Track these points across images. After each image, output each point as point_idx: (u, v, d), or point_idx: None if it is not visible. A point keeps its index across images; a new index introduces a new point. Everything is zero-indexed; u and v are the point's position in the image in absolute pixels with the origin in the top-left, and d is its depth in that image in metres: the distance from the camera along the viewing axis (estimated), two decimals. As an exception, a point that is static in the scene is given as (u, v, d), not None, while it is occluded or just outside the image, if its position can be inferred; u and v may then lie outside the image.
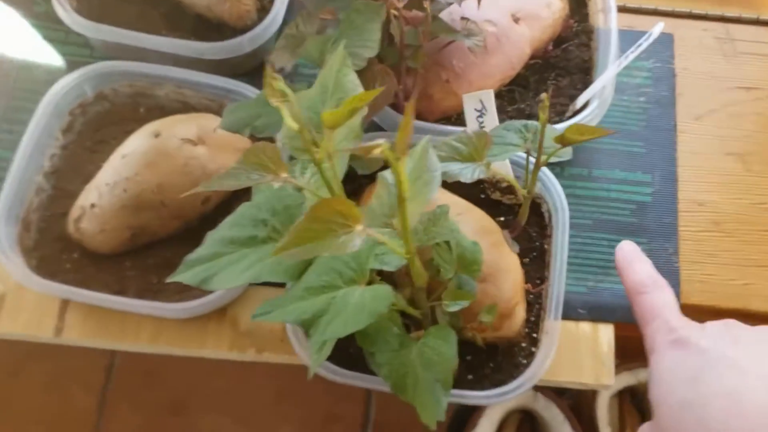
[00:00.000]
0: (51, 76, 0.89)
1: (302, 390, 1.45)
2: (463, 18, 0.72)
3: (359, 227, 0.44)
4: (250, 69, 0.89)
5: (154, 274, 0.77)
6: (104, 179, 0.75)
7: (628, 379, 1.06)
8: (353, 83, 0.56)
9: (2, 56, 0.90)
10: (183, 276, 0.59)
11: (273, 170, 0.50)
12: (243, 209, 0.61)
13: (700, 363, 0.49)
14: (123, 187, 0.74)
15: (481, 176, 0.61)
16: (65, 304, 0.79)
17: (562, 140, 0.60)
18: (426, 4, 0.65)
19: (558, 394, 1.09)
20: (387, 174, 0.55)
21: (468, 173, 0.62)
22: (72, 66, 0.89)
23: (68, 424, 1.46)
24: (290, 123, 0.47)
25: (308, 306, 0.55)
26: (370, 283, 0.59)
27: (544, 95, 0.58)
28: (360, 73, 0.67)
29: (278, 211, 0.60)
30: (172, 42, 0.82)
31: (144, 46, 0.82)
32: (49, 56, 0.91)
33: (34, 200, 0.79)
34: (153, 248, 0.78)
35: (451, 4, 0.69)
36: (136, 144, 0.75)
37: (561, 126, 0.78)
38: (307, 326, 0.55)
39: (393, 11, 0.64)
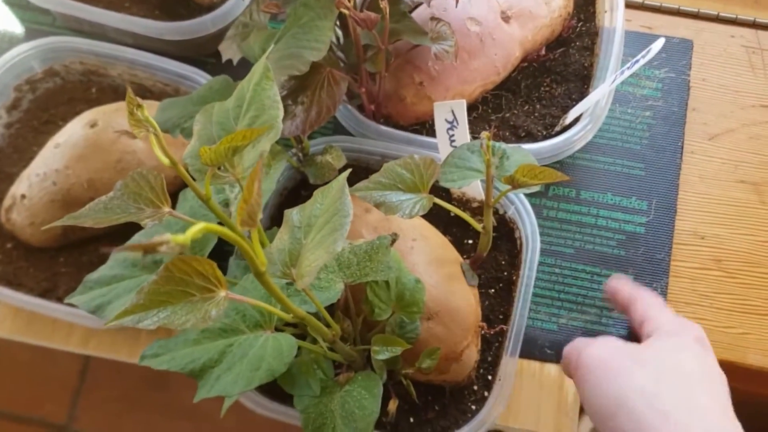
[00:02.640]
0: (8, 44, 0.83)
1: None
2: (433, 18, 0.63)
3: (222, 293, 0.37)
4: (215, 51, 0.81)
5: (87, 272, 0.71)
6: (36, 169, 0.69)
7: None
8: (272, 100, 0.48)
9: (-42, 19, 0.85)
10: (79, 299, 0.53)
11: (154, 203, 0.43)
12: (153, 228, 0.54)
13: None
14: (53, 179, 0.68)
15: (422, 212, 0.53)
16: (-5, 297, 0.74)
17: (512, 182, 0.51)
18: (382, 4, 0.56)
19: None
20: (294, 213, 0.47)
21: (407, 207, 0.53)
22: (32, 33, 0.84)
23: (50, 386, 1.44)
24: (161, 158, 0.40)
25: (200, 353, 0.49)
26: (294, 322, 0.53)
27: (484, 134, 0.49)
28: (305, 78, 0.60)
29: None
30: (131, 20, 0.75)
31: (101, 22, 0.75)
32: (8, 22, 0.85)
33: (-31, 182, 0.74)
34: (89, 244, 0.73)
35: (420, 4, 0.60)
36: (70, 133, 0.69)
37: (547, 144, 0.70)
38: (195, 377, 0.48)
39: (343, 10, 0.55)
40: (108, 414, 1.42)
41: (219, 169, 0.48)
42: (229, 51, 0.65)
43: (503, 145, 0.60)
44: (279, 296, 0.38)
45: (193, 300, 0.37)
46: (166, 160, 0.40)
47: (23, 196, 0.69)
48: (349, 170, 0.49)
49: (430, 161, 0.54)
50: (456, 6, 0.67)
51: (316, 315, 0.59)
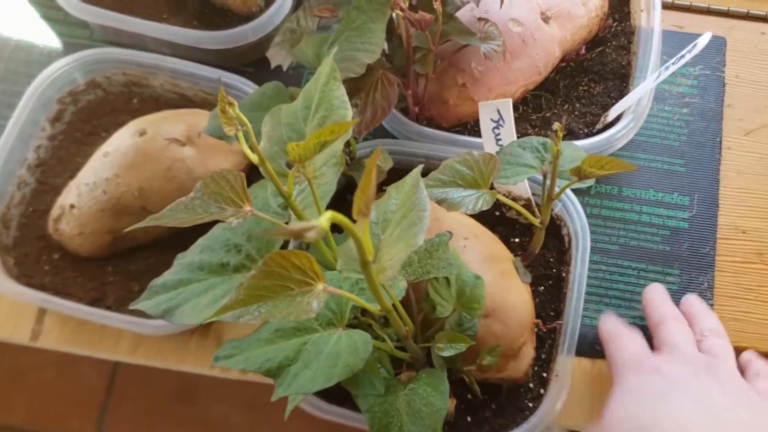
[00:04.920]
0: (46, 58, 0.84)
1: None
2: (480, 19, 0.64)
3: (320, 286, 0.38)
4: (256, 60, 0.82)
5: (135, 282, 0.72)
6: (84, 179, 0.69)
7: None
8: (340, 100, 0.49)
9: (-4, 35, 0.85)
10: (145, 304, 0.53)
11: (235, 202, 0.44)
12: (217, 231, 0.55)
13: (665, 387, 0.58)
14: (102, 188, 0.68)
15: (485, 207, 0.54)
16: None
17: (579, 173, 0.52)
18: (436, 5, 0.57)
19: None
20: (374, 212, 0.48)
21: (470, 203, 0.54)
22: (70, 48, 0.84)
23: (77, 401, 1.44)
24: (249, 155, 0.40)
25: (275, 352, 0.49)
26: (356, 322, 0.53)
27: (557, 125, 0.50)
28: (358, 80, 0.60)
29: (254, 236, 0.53)
30: (171, 29, 0.76)
31: (141, 33, 0.76)
32: (46, 37, 0.85)
33: (15, 194, 0.74)
34: (137, 253, 0.73)
35: (467, 2, 0.61)
36: (119, 142, 0.69)
37: (590, 142, 0.70)
38: (272, 376, 0.49)
39: (398, 12, 0.56)
40: (136, 428, 1.41)
41: (288, 167, 0.49)
42: (277, 57, 0.65)
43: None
44: (377, 288, 0.38)
45: (292, 294, 0.37)
46: (255, 158, 0.40)
47: (72, 206, 0.69)
48: (422, 165, 0.49)
49: (490, 157, 0.55)
50: (500, 7, 0.67)
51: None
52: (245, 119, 0.40)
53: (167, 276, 0.54)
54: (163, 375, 1.43)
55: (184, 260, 0.54)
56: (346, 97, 0.49)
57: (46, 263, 0.73)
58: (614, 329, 0.66)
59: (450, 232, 0.57)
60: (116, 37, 0.81)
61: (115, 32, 0.79)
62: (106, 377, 1.45)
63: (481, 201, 0.54)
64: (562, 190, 0.55)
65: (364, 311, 0.56)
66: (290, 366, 0.48)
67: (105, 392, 1.44)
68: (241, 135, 0.40)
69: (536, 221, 0.60)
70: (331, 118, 0.48)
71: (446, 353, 0.56)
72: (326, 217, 0.29)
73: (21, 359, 1.46)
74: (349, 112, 0.48)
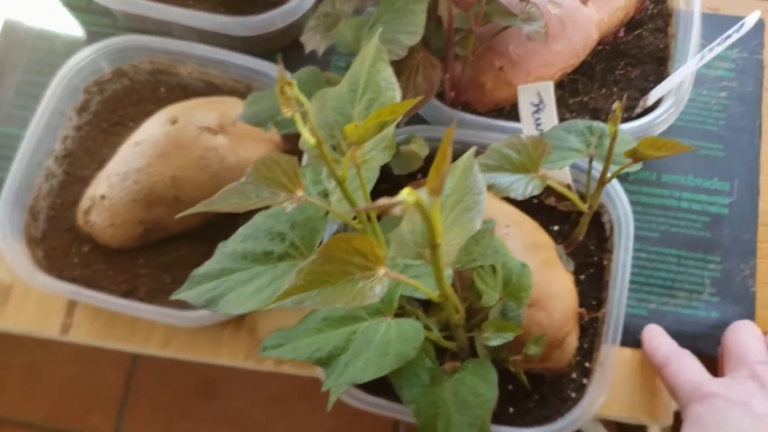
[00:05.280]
0: (69, 47, 0.82)
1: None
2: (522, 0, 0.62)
3: (381, 270, 0.36)
4: (283, 46, 0.80)
5: (167, 273, 0.71)
6: (115, 169, 0.68)
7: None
8: (388, 82, 0.47)
9: (18, 24, 0.84)
10: (188, 294, 0.52)
11: (287, 187, 0.42)
12: (259, 219, 0.53)
13: (726, 410, 0.55)
14: (134, 178, 0.67)
15: (535, 192, 0.52)
16: (74, 300, 0.73)
17: (635, 155, 0.50)
18: (479, -15, 0.56)
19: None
20: (423, 193, 0.46)
21: (519, 188, 0.53)
22: (93, 36, 0.82)
23: (95, 398, 1.43)
24: (306, 138, 0.39)
25: (325, 341, 0.48)
26: (401, 311, 0.52)
27: (616, 104, 0.48)
28: (400, 63, 0.59)
29: (298, 224, 0.52)
30: (198, 15, 0.74)
31: (167, 19, 0.74)
32: (69, 25, 0.84)
33: (43, 186, 0.73)
34: (168, 244, 0.72)
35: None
36: (150, 131, 0.68)
37: (630, 126, 0.69)
38: (322, 365, 0.47)
39: (440, -8, 0.54)
40: (156, 424, 1.40)
41: (334, 149, 0.47)
42: (312, 42, 0.64)
43: (601, 124, 0.59)
44: (442, 272, 0.36)
45: (353, 279, 0.36)
46: (311, 140, 0.39)
47: (103, 197, 0.68)
48: (475, 148, 0.48)
49: (539, 140, 0.53)
50: (541, -13, 0.66)
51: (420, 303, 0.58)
52: (303, 98, 0.38)
53: (209, 265, 0.53)
54: (182, 370, 1.42)
55: (225, 249, 0.53)
56: (394, 79, 0.48)
57: (76, 256, 0.71)
58: (668, 355, 0.63)
59: (492, 220, 0.56)
60: (141, 24, 0.79)
61: (139, 19, 0.77)
62: (124, 372, 1.44)
63: (531, 186, 0.53)
64: (615, 173, 0.54)
65: (410, 300, 0.54)
66: (340, 355, 0.47)
67: (123, 388, 1.43)
68: (298, 116, 0.39)
69: (584, 207, 0.58)
70: (379, 100, 0.47)
71: (493, 342, 0.54)
72: (407, 192, 0.27)
73: (39, 356, 1.45)
74: (398, 94, 0.47)
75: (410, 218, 0.46)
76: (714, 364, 0.78)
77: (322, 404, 1.44)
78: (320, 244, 0.53)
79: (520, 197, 0.52)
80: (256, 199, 0.42)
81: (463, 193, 0.44)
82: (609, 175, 0.54)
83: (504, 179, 0.53)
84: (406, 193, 0.28)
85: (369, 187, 0.51)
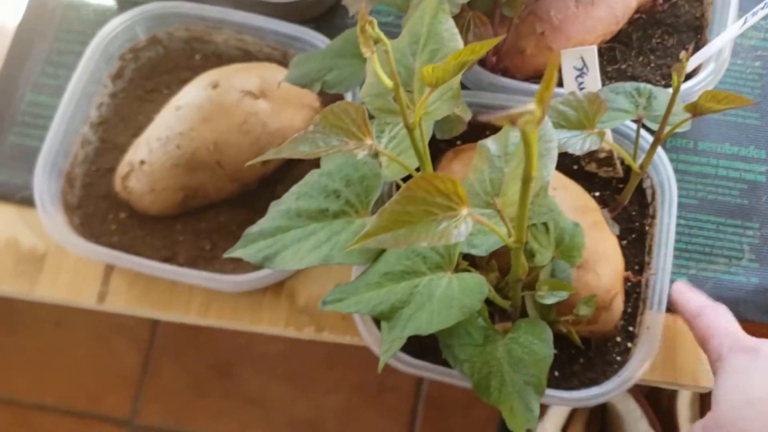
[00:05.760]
0: (100, 16, 0.82)
1: (355, 356, 1.38)
2: (569, -38, 0.62)
3: (465, 210, 0.36)
4: (318, 15, 0.80)
5: (206, 240, 0.70)
6: (156, 133, 0.68)
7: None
8: (450, 33, 0.47)
9: (48, -7, 0.83)
10: (243, 252, 0.52)
11: (356, 135, 0.42)
12: (312, 178, 0.53)
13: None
14: (176, 143, 0.66)
15: (594, 147, 0.52)
16: (110, 267, 0.72)
17: (695, 109, 0.50)
18: (531, -57, 0.55)
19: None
20: (490, 143, 0.46)
21: (577, 144, 0.52)
22: (123, 5, 0.82)
23: (111, 380, 1.43)
24: (383, 78, 0.38)
25: (386, 295, 0.48)
26: (457, 267, 0.51)
27: (683, 53, 0.48)
28: (450, 21, 0.58)
29: (353, 181, 0.52)
30: (234, -19, 0.74)
31: (202, -15, 0.74)
32: (99, -5, 0.83)
33: (79, 153, 0.72)
34: (206, 211, 0.71)
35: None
36: (192, 95, 0.67)
37: (669, 93, 0.68)
38: (384, 318, 0.47)
39: (492, -50, 0.54)
40: (173, 405, 1.40)
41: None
42: (354, 4, 0.63)
43: (649, 86, 0.59)
44: (525, 209, 0.36)
45: (436, 219, 0.36)
46: (389, 82, 0.38)
47: (142, 162, 0.68)
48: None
49: (595, 97, 0.53)
50: (584, -49, 0.66)
51: (480, 258, 0.58)
52: (384, 37, 0.38)
53: (263, 224, 0.52)
54: (199, 350, 1.42)
55: (279, 208, 0.52)
56: (456, 30, 0.47)
57: (113, 222, 0.71)
58: (703, 306, 0.58)
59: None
60: (174, -8, 0.79)
61: (173, -13, 0.77)
62: (141, 354, 1.44)
63: (589, 141, 0.52)
64: (673, 128, 0.54)
65: (465, 257, 0.54)
66: (403, 308, 0.47)
67: (140, 369, 1.43)
68: (375, 57, 0.38)
69: (635, 166, 0.58)
70: (442, 51, 0.47)
71: (548, 301, 0.54)
72: (536, 105, 0.27)
73: (54, 338, 1.45)
74: (460, 44, 0.47)
75: (478, 167, 0.46)
76: (754, 331, 0.78)
77: (340, 383, 1.45)
78: (376, 201, 0.53)
79: (578, 152, 0.52)
80: (325, 146, 0.42)
81: (532, 143, 0.44)
82: (666, 131, 0.53)
83: (561, 135, 0.53)
84: (537, 105, 0.27)
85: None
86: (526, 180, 0.33)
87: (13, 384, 1.43)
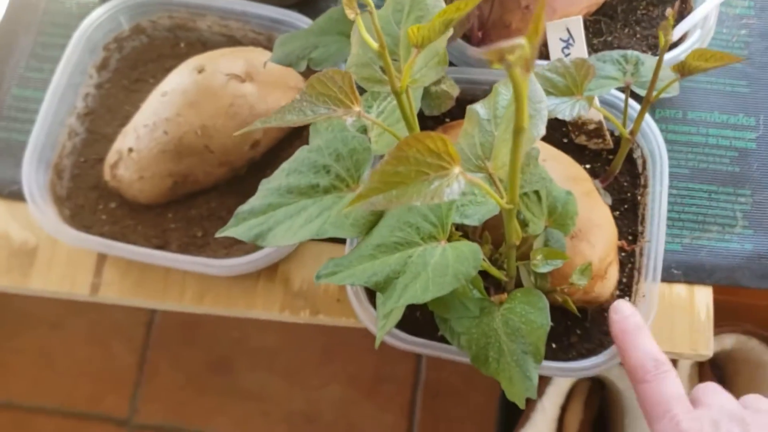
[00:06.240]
0: (83, 9, 0.81)
1: (350, 347, 1.38)
2: (552, -69, 0.62)
3: (457, 169, 0.36)
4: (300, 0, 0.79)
5: (198, 227, 0.70)
6: (142, 120, 0.67)
7: (711, 344, 0.97)
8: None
9: (30, -13, 0.82)
10: (235, 230, 0.51)
11: (344, 103, 0.42)
12: (301, 154, 0.52)
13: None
14: (163, 128, 0.66)
15: (583, 112, 0.52)
16: (102, 258, 0.72)
17: (682, 69, 0.50)
18: None
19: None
20: (479, 107, 0.46)
21: (566, 109, 0.52)
22: (105, -2, 0.81)
23: (109, 380, 1.42)
24: (368, 40, 0.38)
25: (380, 266, 0.47)
26: (449, 239, 0.51)
27: (669, 11, 0.48)
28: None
29: (343, 156, 0.51)
30: (217, -32, 0.73)
31: (185, -27, 0.74)
32: (80, -14, 0.83)
33: (66, 144, 0.72)
34: (197, 198, 0.71)
35: None
36: (178, 81, 0.67)
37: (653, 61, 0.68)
38: (379, 289, 0.47)
39: None
40: (172, 403, 1.39)
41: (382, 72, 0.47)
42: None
43: (636, 52, 0.59)
44: (516, 172, 0.36)
45: (428, 179, 0.35)
46: (374, 45, 0.38)
47: (131, 150, 0.67)
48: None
49: (582, 62, 0.53)
50: None
51: (472, 230, 0.57)
52: (370, 2, 0.38)
53: (254, 202, 0.52)
54: (195, 348, 1.42)
55: (270, 185, 0.52)
56: (440, -2, 0.47)
57: (103, 213, 0.70)
58: (644, 364, 0.50)
59: (537, 148, 0.55)
60: (156, -18, 0.78)
61: (155, -23, 0.76)
62: (136, 354, 1.43)
63: (578, 106, 0.52)
64: (661, 90, 0.53)
65: (458, 227, 0.54)
66: (398, 278, 0.47)
67: (137, 368, 1.42)
68: (359, 19, 0.38)
69: (625, 132, 0.58)
70: (427, 17, 0.46)
71: (543, 269, 0.54)
72: (521, 44, 0.27)
73: (51, 340, 1.44)
74: (445, 11, 0.46)
75: (468, 132, 0.46)
76: (752, 296, 0.79)
77: (337, 374, 1.45)
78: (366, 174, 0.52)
79: (567, 118, 0.52)
80: (312, 115, 0.42)
81: (521, 105, 0.43)
82: (655, 94, 0.53)
83: (549, 102, 0.53)
84: (522, 44, 0.27)
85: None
86: (518, 131, 0.32)
87: (12, 387, 1.42)
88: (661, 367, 0.49)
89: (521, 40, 0.26)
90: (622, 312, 0.53)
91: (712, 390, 0.50)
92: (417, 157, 0.35)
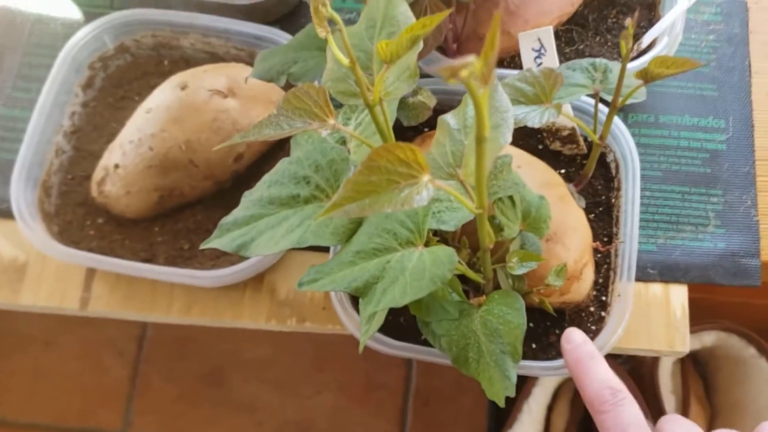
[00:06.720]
0: (68, 29, 0.83)
1: (342, 356, 1.40)
2: (520, -54, 0.64)
3: (426, 177, 0.38)
4: (282, 15, 0.81)
5: (185, 240, 0.71)
6: (128, 137, 0.69)
7: (692, 343, 0.99)
8: (405, 15, 0.49)
9: (15, 9, 0.84)
10: (219, 242, 0.53)
11: (319, 116, 0.44)
12: (282, 166, 0.54)
13: None
14: (148, 144, 0.68)
15: (552, 120, 0.54)
16: (91, 273, 0.73)
17: (645, 75, 0.52)
18: (481, -72, 0.57)
19: (614, 358, 1.02)
20: (449, 118, 0.48)
21: (535, 117, 0.54)
22: (90, 18, 0.82)
23: (102, 395, 1.43)
24: (339, 57, 0.40)
25: (360, 272, 0.49)
26: (427, 244, 0.53)
27: (628, 21, 0.50)
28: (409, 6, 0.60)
29: (322, 167, 0.53)
30: (201, -14, 0.75)
31: (169, -8, 0.76)
32: (65, 7, 0.84)
33: (54, 162, 0.73)
34: (182, 212, 0.72)
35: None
36: (161, 97, 0.69)
37: (627, 67, 0.71)
38: (360, 294, 0.48)
39: (445, -63, 0.56)
40: (165, 416, 1.40)
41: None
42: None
43: (604, 60, 0.61)
44: (484, 171, 0.38)
45: (399, 187, 0.37)
46: (345, 61, 0.40)
47: (117, 166, 0.69)
48: (495, 70, 0.49)
49: (550, 71, 0.55)
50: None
51: (451, 236, 0.59)
52: (337, 17, 0.40)
53: (237, 213, 0.54)
54: (186, 361, 1.43)
55: (252, 197, 0.54)
56: (410, 13, 0.49)
57: (91, 228, 0.72)
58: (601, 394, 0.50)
59: (510, 155, 0.57)
60: (141, 2, 0.80)
61: (138, -3, 0.78)
62: (129, 368, 1.44)
63: (547, 114, 0.54)
64: (627, 95, 0.56)
65: (436, 233, 0.56)
66: (377, 283, 0.48)
67: (129, 382, 1.44)
68: (330, 37, 0.40)
69: (595, 137, 0.60)
70: (398, 33, 0.48)
71: (519, 271, 0.56)
72: (475, 60, 0.29)
73: (43, 356, 1.45)
74: (416, 27, 0.48)
75: (439, 141, 0.48)
76: (726, 293, 0.81)
77: (329, 383, 1.46)
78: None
79: (537, 125, 0.54)
80: (289, 128, 0.44)
81: (490, 113, 0.45)
82: (621, 98, 0.55)
83: (519, 110, 0.55)
84: (475, 60, 0.29)
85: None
86: (479, 140, 0.34)
87: (6, 405, 1.43)
88: (618, 395, 0.49)
89: (472, 57, 0.28)
90: (574, 340, 0.54)
91: (675, 419, 0.50)
92: (388, 166, 0.37)
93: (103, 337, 1.46)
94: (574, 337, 0.54)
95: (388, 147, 0.37)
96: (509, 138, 0.43)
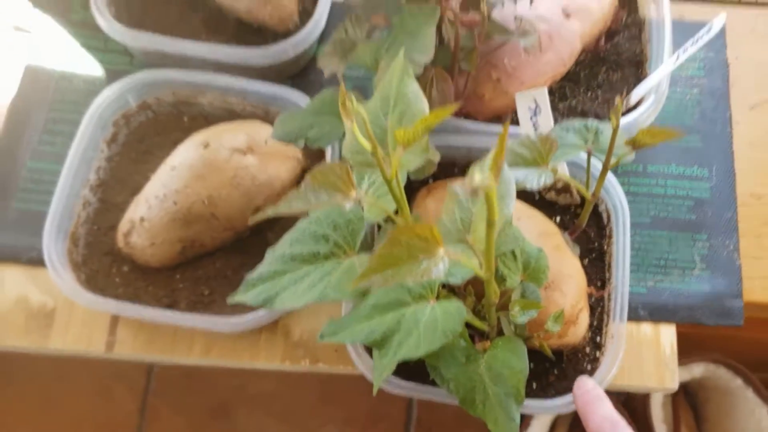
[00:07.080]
0: (91, 86, 0.88)
1: (345, 390, 1.44)
2: (516, 17, 0.70)
3: (441, 250, 0.43)
4: (292, 74, 0.87)
5: (205, 286, 0.76)
6: (153, 192, 0.74)
7: (682, 374, 1.04)
8: (415, 94, 0.54)
9: (40, 67, 0.89)
10: (246, 296, 0.58)
11: (342, 190, 0.49)
12: (303, 225, 0.59)
13: None
14: (173, 199, 0.72)
15: (548, 182, 0.59)
16: (116, 318, 0.78)
17: (634, 143, 0.58)
18: (483, 7, 0.63)
19: (608, 391, 1.07)
20: (457, 187, 0.53)
21: (534, 179, 0.60)
22: (112, 75, 0.88)
23: (111, 425, 1.46)
24: (363, 143, 0.45)
25: (377, 325, 0.54)
26: (437, 297, 0.58)
27: (617, 99, 0.55)
28: (416, 79, 0.65)
29: (340, 226, 0.58)
30: (216, 48, 0.80)
31: (185, 53, 0.81)
32: (89, 65, 0.89)
33: (81, 214, 0.78)
34: (203, 260, 0.77)
35: (502, 2, 0.67)
36: (185, 155, 0.74)
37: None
38: (377, 346, 0.53)
39: (448, 15, 0.61)
40: (174, 447, 1.44)
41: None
42: (330, 65, 0.70)
43: (596, 122, 0.67)
44: (492, 249, 0.43)
45: (418, 260, 0.42)
46: (368, 146, 0.45)
47: (142, 219, 0.73)
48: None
49: (546, 137, 0.60)
50: (530, 6, 0.73)
51: (457, 289, 0.64)
52: (363, 111, 0.45)
53: (261, 270, 0.58)
54: (194, 395, 1.47)
55: (275, 254, 0.59)
56: (420, 92, 0.55)
57: (117, 276, 0.77)
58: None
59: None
60: (158, 60, 0.85)
61: (158, 56, 0.83)
62: (138, 400, 1.48)
63: (544, 176, 0.60)
64: (618, 159, 0.61)
65: (445, 286, 0.61)
66: (393, 336, 0.53)
67: (138, 415, 1.47)
68: (355, 125, 0.45)
69: (588, 195, 0.65)
70: (410, 110, 0.54)
71: (521, 319, 0.61)
72: (488, 172, 0.34)
73: (53, 389, 1.48)
74: (425, 105, 0.54)
75: (449, 209, 0.53)
76: (711, 333, 0.86)
77: (332, 416, 1.50)
78: (361, 241, 0.59)
79: (535, 187, 0.59)
80: (316, 201, 0.49)
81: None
82: (612, 161, 0.61)
83: (519, 173, 0.60)
84: (478, 177, 0.34)
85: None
86: (490, 224, 0.39)
87: (15, 437, 1.46)
88: (616, 425, 0.55)
89: (483, 180, 0.34)
90: (585, 387, 0.60)
91: None
92: (408, 242, 0.42)
93: (112, 368, 1.49)
94: (585, 383, 0.61)
95: (409, 226, 0.42)
96: (512, 208, 0.48)
